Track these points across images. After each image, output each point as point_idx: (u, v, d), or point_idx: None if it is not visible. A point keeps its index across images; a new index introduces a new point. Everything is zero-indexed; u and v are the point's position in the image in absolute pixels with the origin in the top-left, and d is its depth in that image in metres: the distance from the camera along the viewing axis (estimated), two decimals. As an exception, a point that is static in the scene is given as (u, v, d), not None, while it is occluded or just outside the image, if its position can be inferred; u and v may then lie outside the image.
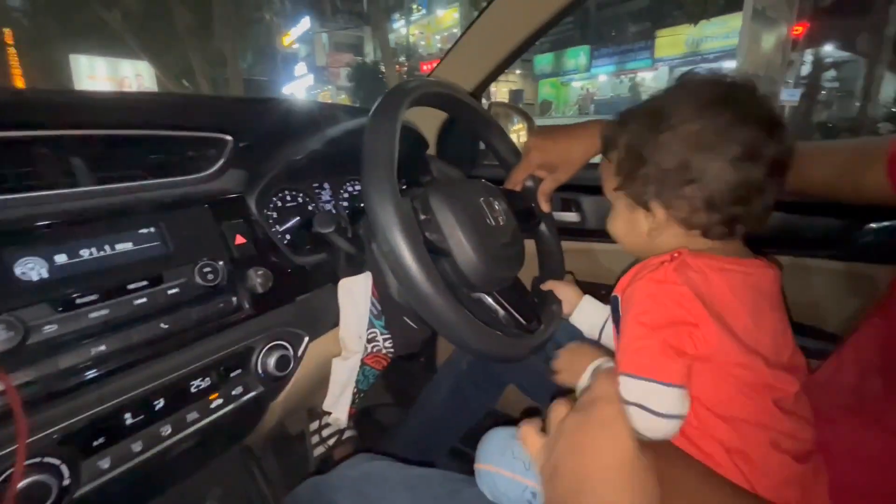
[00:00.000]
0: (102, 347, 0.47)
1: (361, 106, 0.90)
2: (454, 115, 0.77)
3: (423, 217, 0.59)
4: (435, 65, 1.11)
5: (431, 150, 1.10)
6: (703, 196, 0.47)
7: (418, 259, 0.48)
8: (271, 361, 0.61)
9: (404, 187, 0.93)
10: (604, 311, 0.69)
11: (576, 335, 0.69)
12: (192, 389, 0.55)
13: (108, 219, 0.52)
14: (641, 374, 0.43)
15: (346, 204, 0.91)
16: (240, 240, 0.61)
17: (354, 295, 0.68)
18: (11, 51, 13.03)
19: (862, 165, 0.55)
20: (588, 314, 0.70)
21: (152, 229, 0.54)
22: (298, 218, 0.79)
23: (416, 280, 0.48)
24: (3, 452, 0.40)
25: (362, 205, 0.92)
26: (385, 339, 0.70)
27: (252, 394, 0.61)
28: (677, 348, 0.43)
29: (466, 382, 0.87)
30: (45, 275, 0.46)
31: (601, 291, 0.74)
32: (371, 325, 0.69)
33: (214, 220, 0.60)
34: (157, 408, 0.52)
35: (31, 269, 0.45)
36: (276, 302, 0.63)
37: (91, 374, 0.47)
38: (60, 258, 0.47)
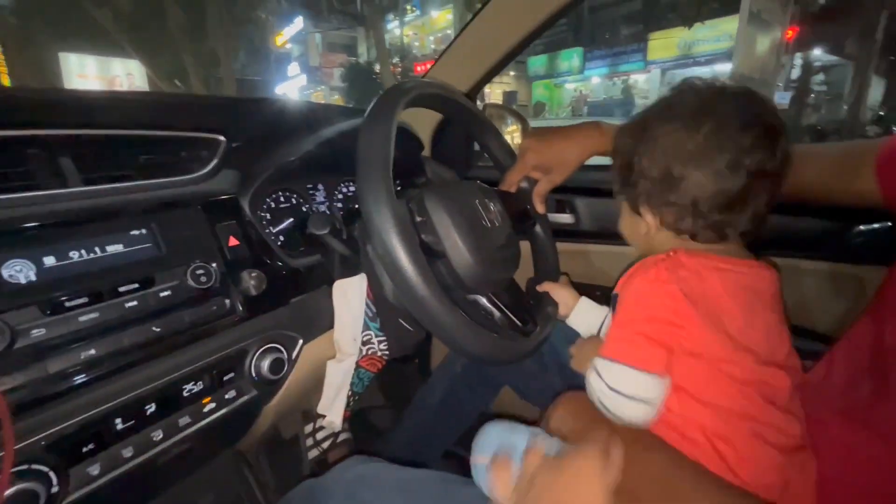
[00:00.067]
0: (92, 351, 0.46)
1: (356, 107, 0.89)
2: (449, 117, 0.77)
3: (418, 219, 0.58)
4: (429, 66, 1.10)
5: (426, 152, 1.10)
6: (687, 204, 0.48)
7: (414, 261, 0.48)
8: (265, 365, 0.61)
9: (399, 189, 0.93)
10: (600, 312, 0.69)
11: (571, 336, 0.69)
12: (185, 393, 0.54)
13: (99, 220, 0.51)
14: (618, 359, 0.46)
15: (340, 205, 0.91)
16: (233, 241, 0.61)
17: (349, 297, 0.67)
18: (-3, 47, 12.85)
19: (851, 168, 0.56)
20: (585, 315, 0.70)
21: (144, 231, 0.53)
22: (292, 219, 0.78)
23: (411, 282, 0.48)
24: (-10, 459, 0.39)
25: (357, 206, 0.92)
26: (380, 342, 0.70)
27: (245, 397, 0.60)
28: (656, 340, 0.45)
29: (461, 384, 0.87)
30: (33, 277, 0.45)
31: (596, 293, 0.74)
32: (366, 327, 0.68)
33: (207, 222, 0.59)
34: (148, 412, 0.52)
35: (18, 271, 0.44)
36: (269, 304, 0.63)
37: (80, 378, 0.46)
38: (49, 260, 0.46)
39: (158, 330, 0.51)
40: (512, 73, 18.25)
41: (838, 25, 9.26)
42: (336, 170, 0.88)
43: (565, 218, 1.05)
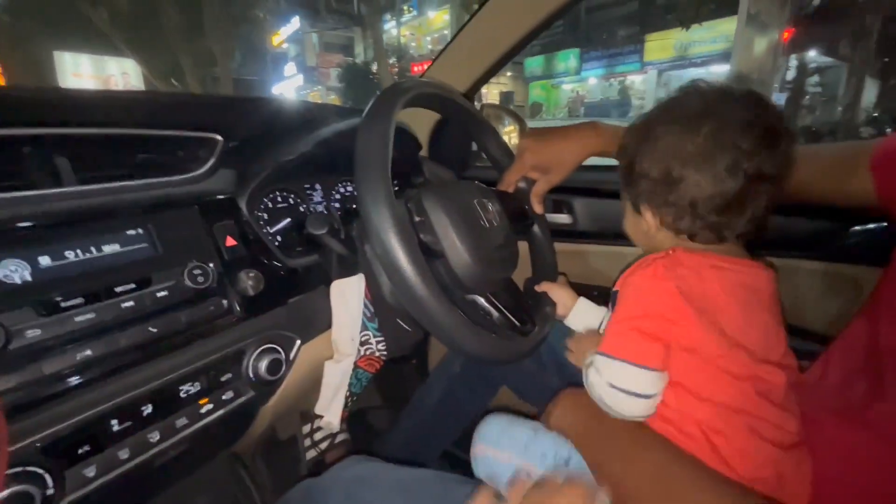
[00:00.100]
0: (88, 352, 0.46)
1: (353, 106, 0.89)
2: (447, 117, 0.77)
3: (417, 219, 0.58)
4: (426, 66, 1.10)
5: (423, 152, 1.10)
6: (685, 205, 0.49)
7: (412, 261, 0.47)
8: (262, 365, 0.60)
9: (396, 189, 0.93)
10: (598, 312, 0.69)
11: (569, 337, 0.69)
12: (182, 394, 0.54)
13: (94, 220, 0.51)
14: (616, 355, 0.47)
15: (337, 205, 0.90)
16: (230, 241, 0.60)
17: (347, 297, 0.67)
18: (-9, 47, 12.74)
19: (847, 168, 0.56)
20: (583, 316, 0.71)
21: (140, 230, 0.53)
22: (290, 219, 0.78)
23: (410, 282, 0.48)
24: (-16, 462, 0.39)
25: (355, 206, 0.92)
26: (378, 342, 0.70)
27: (243, 398, 0.60)
28: (652, 335, 0.46)
29: (459, 384, 0.87)
30: (28, 277, 0.44)
31: (593, 293, 0.74)
32: (364, 327, 0.68)
33: (204, 222, 0.59)
34: (144, 414, 0.51)
35: (12, 271, 0.44)
36: (267, 304, 0.62)
37: (76, 379, 0.45)
38: (44, 260, 0.46)
39: (155, 330, 0.51)
40: (509, 74, 18.28)
41: (833, 27, 9.32)
42: (334, 170, 0.88)
43: (563, 218, 1.05)
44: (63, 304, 0.46)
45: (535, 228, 0.80)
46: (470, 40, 1.01)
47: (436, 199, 0.59)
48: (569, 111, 17.13)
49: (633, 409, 0.47)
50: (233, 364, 0.59)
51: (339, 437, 0.93)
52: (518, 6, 0.92)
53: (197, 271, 0.54)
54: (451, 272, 0.59)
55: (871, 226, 0.77)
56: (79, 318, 0.46)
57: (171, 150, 0.61)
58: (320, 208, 0.86)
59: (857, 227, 0.78)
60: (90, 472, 0.47)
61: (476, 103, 1.19)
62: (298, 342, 0.66)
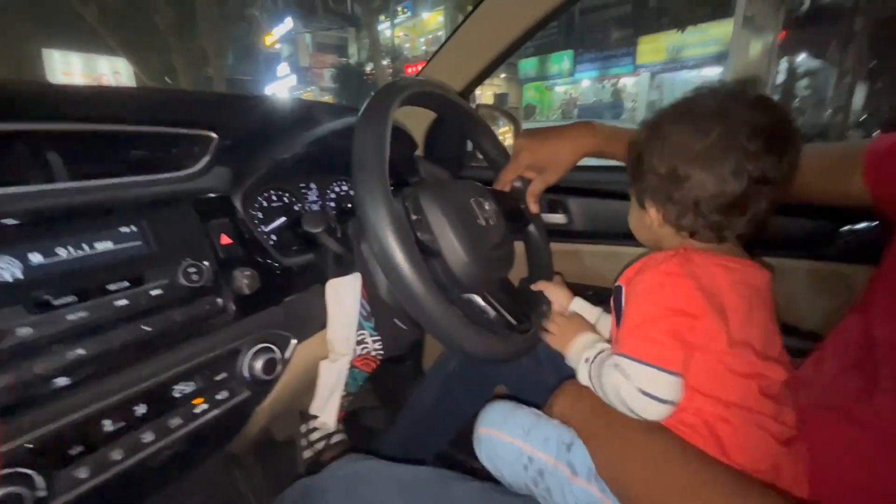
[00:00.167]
0: (80, 351, 0.45)
1: (349, 105, 0.89)
2: (443, 116, 0.77)
3: (413, 217, 0.58)
4: (420, 67, 1.10)
5: (419, 152, 1.10)
6: (688, 203, 0.50)
7: (410, 259, 0.47)
8: (258, 365, 0.60)
9: (392, 188, 0.92)
10: (594, 311, 0.70)
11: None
12: (176, 394, 0.53)
13: (87, 217, 0.50)
14: (644, 359, 0.46)
15: (333, 204, 0.90)
16: (225, 240, 0.60)
17: (342, 296, 0.67)
18: (-23, 44, 12.52)
19: (840, 169, 0.57)
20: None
21: (134, 228, 0.52)
22: (285, 218, 0.77)
23: (407, 280, 0.48)
24: (-27, 463, 0.38)
25: (350, 205, 0.92)
26: (374, 341, 0.70)
27: (238, 398, 0.59)
28: (680, 337, 0.46)
29: (455, 383, 0.86)
30: (19, 275, 0.44)
31: (588, 293, 0.74)
32: (360, 326, 0.68)
33: (199, 220, 0.58)
34: (138, 414, 0.50)
35: (3, 268, 0.43)
36: (262, 303, 0.62)
37: (68, 379, 0.45)
38: (35, 258, 0.45)
39: (149, 329, 0.50)
40: (503, 76, 18.33)
41: (822, 31, 9.46)
42: (329, 168, 0.87)
43: (558, 218, 1.06)
44: (55, 303, 0.45)
45: (531, 228, 0.80)
46: (464, 41, 1.01)
47: (433, 197, 0.59)
48: (562, 113, 17.22)
49: (656, 413, 0.46)
50: (228, 363, 0.59)
51: (336, 438, 0.92)
52: (512, 7, 0.93)
53: (191, 269, 0.54)
54: (448, 271, 0.59)
55: (862, 225, 0.78)
56: (71, 317, 0.46)
57: (166, 147, 0.60)
58: (315, 207, 0.86)
59: (849, 227, 0.79)
60: (82, 473, 0.46)
61: (471, 104, 1.19)
62: (294, 341, 0.66)
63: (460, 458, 0.91)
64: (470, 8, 1.00)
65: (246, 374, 0.60)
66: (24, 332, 0.43)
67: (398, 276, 0.48)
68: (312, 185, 0.86)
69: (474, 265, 0.59)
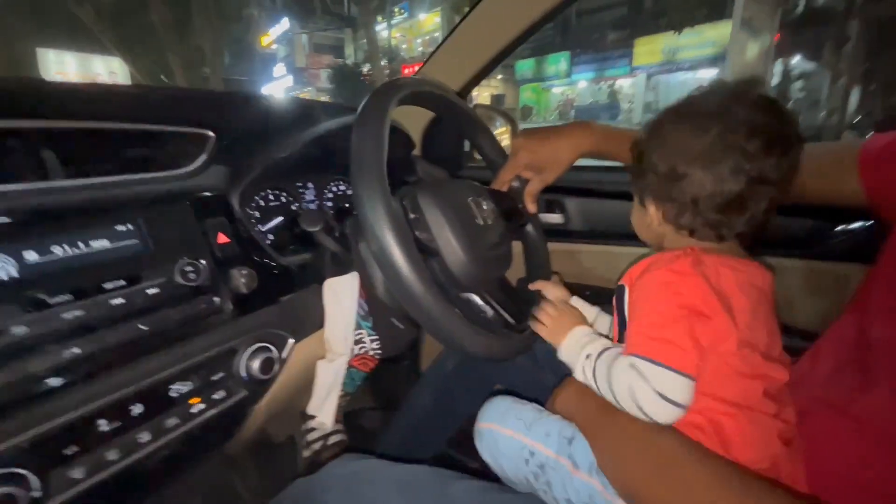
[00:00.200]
0: (76, 350, 0.45)
1: (347, 104, 0.89)
2: (441, 115, 0.77)
3: (412, 216, 0.58)
4: (417, 68, 1.10)
5: (416, 151, 1.10)
6: (687, 201, 0.50)
7: (408, 257, 0.47)
8: (255, 364, 0.60)
9: (390, 187, 0.92)
10: (591, 310, 0.70)
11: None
12: (172, 394, 0.53)
13: (83, 215, 0.50)
14: (663, 362, 0.45)
15: (330, 204, 0.90)
16: (222, 238, 0.60)
17: (340, 296, 0.67)
18: (-30, 43, 12.40)
19: (835, 168, 0.57)
20: None
21: (130, 226, 0.52)
22: (282, 218, 0.77)
23: (406, 279, 0.47)
24: (-33, 462, 0.38)
25: (347, 205, 0.91)
26: (372, 340, 0.69)
27: (235, 398, 0.59)
28: (696, 340, 0.45)
29: (453, 383, 0.86)
30: (14, 273, 0.43)
31: (585, 292, 0.74)
32: (358, 326, 0.68)
33: (196, 218, 0.58)
34: (134, 413, 0.50)
35: (-2, 267, 0.43)
36: (260, 303, 0.62)
37: (63, 378, 0.44)
38: (30, 256, 0.45)
39: (145, 328, 0.50)
40: (500, 77, 18.36)
41: (816, 33, 9.54)
42: (326, 168, 0.87)
43: (555, 218, 1.06)
44: (50, 301, 0.45)
45: (529, 227, 0.80)
46: (462, 42, 1.01)
47: (431, 196, 0.59)
48: (559, 114, 17.27)
49: (667, 416, 0.45)
50: (225, 363, 0.58)
51: (334, 438, 0.92)
52: (509, 9, 0.93)
53: (188, 268, 0.53)
54: (446, 270, 0.59)
55: (857, 224, 0.79)
56: (66, 316, 0.45)
57: (163, 145, 0.60)
58: (313, 207, 0.86)
59: (844, 226, 0.80)
60: (77, 473, 0.45)
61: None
62: (291, 341, 0.65)
63: (458, 458, 0.91)
64: (467, 9, 1.00)
65: (243, 373, 0.59)
66: (19, 330, 0.42)
67: (397, 275, 0.48)
68: (310, 185, 0.86)
69: (472, 264, 0.59)
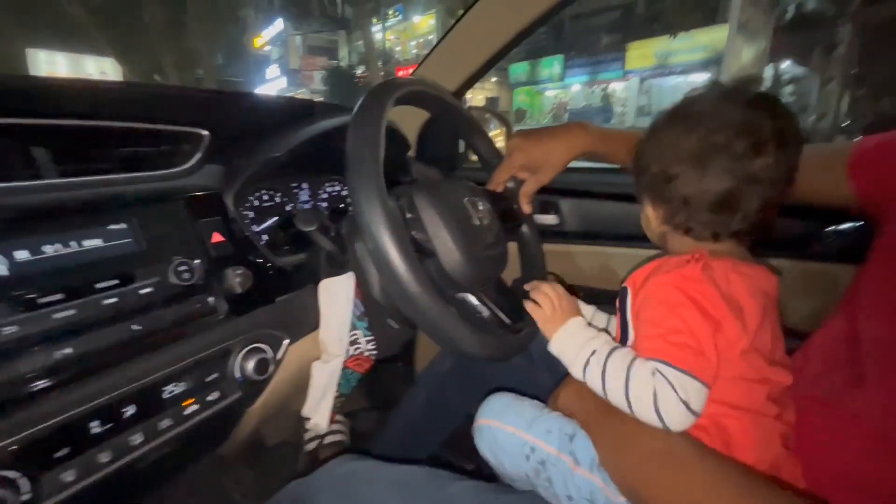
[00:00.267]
0: (68, 351, 0.45)
1: (342, 105, 0.89)
2: (437, 115, 0.77)
3: (408, 216, 0.58)
4: (411, 70, 1.10)
5: (411, 152, 1.10)
6: (679, 201, 0.51)
7: (405, 257, 0.47)
8: (249, 365, 0.59)
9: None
10: (588, 309, 0.70)
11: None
12: (165, 395, 0.53)
13: (76, 214, 0.49)
14: (689, 370, 0.44)
15: (325, 204, 0.90)
16: (217, 238, 0.59)
17: (335, 296, 0.67)
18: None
19: (825, 170, 0.58)
20: None
21: (123, 225, 0.52)
22: (277, 218, 0.77)
23: (402, 278, 0.47)
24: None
25: (343, 205, 0.91)
26: (368, 341, 0.69)
27: (229, 399, 0.58)
28: (714, 347, 0.45)
29: (449, 384, 0.86)
30: (5, 272, 0.43)
31: (579, 293, 0.75)
32: (353, 326, 0.67)
33: (190, 217, 0.58)
34: (126, 415, 0.49)
35: (-12, 266, 0.42)
36: (254, 303, 0.61)
37: (55, 379, 0.44)
38: (22, 255, 0.44)
39: (138, 328, 0.50)
40: (493, 80, 18.40)
41: (806, 38, 9.68)
42: (321, 168, 0.87)
43: (550, 219, 1.06)
44: (41, 301, 0.44)
45: (524, 228, 0.80)
46: (456, 44, 1.02)
47: (427, 196, 0.59)
48: (553, 117, 17.34)
49: (683, 423, 0.44)
50: (219, 364, 0.58)
51: (331, 438, 0.91)
52: (504, 11, 0.94)
53: (182, 268, 0.53)
54: (442, 270, 0.59)
55: (847, 225, 0.80)
56: (58, 316, 0.45)
57: (157, 143, 0.60)
58: (307, 207, 0.85)
59: (834, 227, 0.81)
60: (69, 476, 0.45)
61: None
62: (286, 342, 0.65)
63: (452, 460, 0.91)
64: (461, 11, 1.01)
65: (237, 374, 0.59)
66: (9, 330, 0.42)
67: (393, 275, 0.47)
68: (304, 185, 0.86)
69: (468, 265, 0.59)
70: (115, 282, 0.49)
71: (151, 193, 0.57)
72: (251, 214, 0.73)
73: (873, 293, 0.49)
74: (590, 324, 0.64)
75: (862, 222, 0.76)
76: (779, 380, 0.49)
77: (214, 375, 0.57)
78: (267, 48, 21.87)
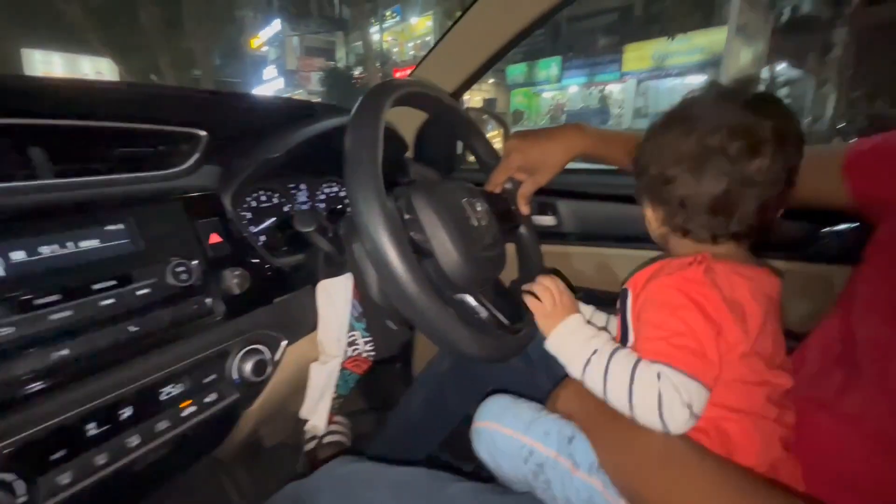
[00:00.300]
0: (64, 352, 0.44)
1: (340, 105, 0.89)
2: (435, 116, 0.77)
3: (406, 216, 0.58)
4: (409, 72, 1.10)
5: (408, 153, 1.10)
6: (676, 203, 0.51)
7: (403, 258, 0.47)
8: (247, 366, 0.59)
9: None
10: (587, 309, 0.70)
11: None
12: (163, 397, 0.52)
13: (73, 214, 0.49)
14: (693, 374, 0.44)
15: (323, 205, 0.90)
16: (215, 238, 0.59)
17: (333, 297, 0.67)
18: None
19: (820, 171, 0.58)
20: None
21: (121, 226, 0.51)
22: (274, 219, 0.76)
23: (401, 279, 0.47)
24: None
25: (340, 206, 0.91)
26: (366, 342, 0.69)
27: (227, 400, 0.58)
28: (716, 350, 0.45)
29: (447, 385, 0.86)
30: (1, 273, 0.43)
31: (577, 294, 0.75)
32: (351, 327, 0.67)
33: (187, 218, 0.58)
34: (123, 417, 0.49)
35: (-16, 267, 0.42)
36: (252, 304, 0.61)
37: (51, 381, 0.43)
38: (18, 255, 0.44)
39: (136, 330, 0.49)
40: (491, 81, 18.42)
41: (802, 41, 9.74)
42: (319, 169, 0.87)
43: (547, 220, 1.07)
44: (38, 302, 0.44)
45: (522, 229, 0.80)
46: (454, 45, 1.02)
47: (425, 197, 0.59)
48: (550, 118, 17.38)
49: (684, 427, 0.44)
50: (216, 365, 0.58)
51: (330, 438, 0.91)
52: (502, 12, 0.94)
53: (180, 269, 0.53)
54: (440, 271, 0.59)
55: (842, 226, 0.80)
56: (54, 317, 0.45)
57: (155, 144, 0.59)
58: (305, 208, 0.85)
59: (829, 228, 0.81)
60: (65, 478, 0.44)
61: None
62: (284, 343, 0.65)
63: (451, 461, 0.91)
64: (459, 13, 1.01)
65: (235, 375, 0.59)
66: (5, 332, 0.42)
67: (391, 275, 0.47)
68: (302, 186, 0.86)
69: (467, 265, 0.59)
70: (113, 283, 0.49)
71: (149, 194, 0.56)
72: (249, 215, 0.73)
73: (869, 294, 0.49)
74: (589, 322, 0.64)
75: (858, 223, 0.77)
76: (779, 382, 0.49)
77: (212, 377, 0.57)
78: (264, 49, 21.82)
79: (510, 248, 0.76)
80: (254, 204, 0.74)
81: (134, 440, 0.50)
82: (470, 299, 0.62)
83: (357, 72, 16.87)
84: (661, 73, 13.17)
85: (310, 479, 0.55)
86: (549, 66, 16.87)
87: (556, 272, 0.81)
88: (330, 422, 0.70)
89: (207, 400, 0.56)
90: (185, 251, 0.55)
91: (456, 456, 0.91)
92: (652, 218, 0.56)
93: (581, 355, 0.51)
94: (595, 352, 0.50)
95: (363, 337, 0.68)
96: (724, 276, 0.48)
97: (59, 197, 0.49)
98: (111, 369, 0.48)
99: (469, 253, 0.59)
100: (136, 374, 0.50)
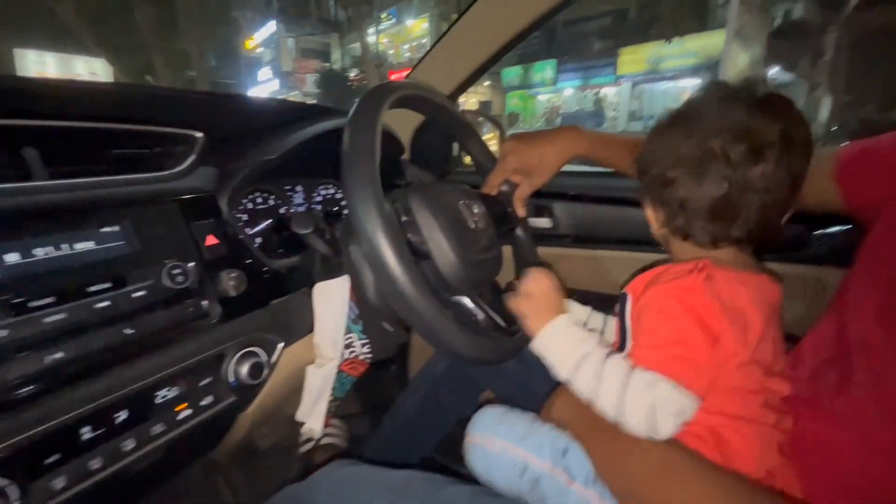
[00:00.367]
0: (59, 355, 0.44)
1: (337, 107, 0.89)
2: (432, 119, 0.77)
3: (403, 218, 0.58)
4: (405, 74, 1.11)
5: (405, 155, 1.10)
6: (676, 206, 0.50)
7: (401, 260, 0.47)
8: (243, 369, 0.59)
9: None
10: (584, 310, 0.70)
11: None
12: (158, 400, 0.52)
13: (67, 216, 0.49)
14: (685, 385, 0.44)
15: (319, 207, 0.90)
16: (211, 240, 0.59)
17: (330, 299, 0.66)
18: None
19: (812, 175, 0.59)
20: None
21: (116, 227, 0.51)
22: (271, 220, 0.76)
23: (398, 281, 0.47)
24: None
25: (337, 208, 0.91)
26: (363, 344, 0.69)
27: (223, 403, 0.58)
28: (710, 360, 0.45)
29: (442, 387, 0.86)
30: (-5, 275, 0.42)
31: (573, 296, 0.75)
32: (348, 329, 0.67)
33: (183, 220, 0.58)
34: (118, 420, 0.49)
35: (-23, 269, 0.41)
36: (248, 306, 0.61)
37: (45, 384, 0.43)
38: (11, 257, 0.44)
39: (131, 332, 0.49)
40: (486, 84, 18.46)
41: (794, 45, 9.83)
42: (315, 171, 0.87)
43: (544, 222, 1.07)
44: (32, 304, 0.44)
45: (518, 232, 0.80)
46: (450, 48, 1.02)
47: (422, 199, 0.59)
48: (546, 121, 17.44)
49: (672, 433, 0.44)
50: (212, 368, 0.58)
51: (326, 440, 0.91)
52: (497, 16, 0.94)
53: (176, 271, 0.53)
54: (437, 273, 0.59)
55: (835, 229, 0.81)
56: (49, 319, 0.44)
57: (150, 145, 0.59)
58: (301, 210, 0.85)
59: (820, 231, 0.82)
60: (59, 482, 0.44)
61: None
62: (281, 345, 0.65)
63: (445, 463, 0.91)
64: (455, 16, 1.01)
65: (231, 378, 0.59)
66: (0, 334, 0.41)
67: (388, 277, 0.47)
68: (298, 188, 0.86)
69: (463, 267, 0.59)
70: (108, 285, 0.49)
71: (145, 195, 0.56)
72: (245, 217, 0.73)
73: (861, 296, 0.49)
74: (585, 323, 0.64)
75: (850, 226, 0.77)
76: (777, 389, 0.49)
77: (208, 380, 0.57)
78: (259, 50, 21.77)
79: (507, 250, 0.76)
80: (250, 206, 0.74)
81: (129, 444, 0.49)
82: (467, 301, 0.62)
83: (353, 74, 16.87)
84: (656, 77, 13.25)
85: (306, 481, 0.55)
86: (545, 69, 16.94)
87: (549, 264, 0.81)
88: (326, 424, 0.69)
89: (203, 403, 0.56)
90: (181, 253, 0.55)
91: (451, 458, 0.91)
92: (653, 219, 0.55)
93: (570, 358, 0.50)
94: (585, 355, 0.49)
95: (360, 339, 0.68)
96: (724, 284, 0.47)
97: (53, 198, 0.49)
98: (106, 372, 0.47)
99: (466, 255, 0.59)
100: (131, 377, 0.49)
